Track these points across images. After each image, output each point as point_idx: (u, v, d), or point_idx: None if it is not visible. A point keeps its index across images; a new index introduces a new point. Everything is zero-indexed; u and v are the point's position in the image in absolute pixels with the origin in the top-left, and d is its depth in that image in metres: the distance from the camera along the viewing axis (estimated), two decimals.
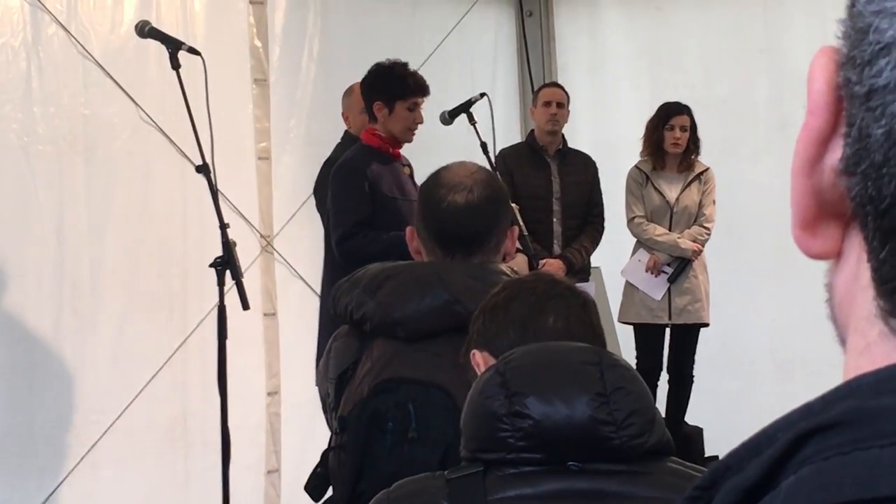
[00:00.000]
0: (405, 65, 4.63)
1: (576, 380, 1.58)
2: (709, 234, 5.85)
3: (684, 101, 5.89)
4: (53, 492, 4.54)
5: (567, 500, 1.56)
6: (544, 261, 5.35)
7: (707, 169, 5.89)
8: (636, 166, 5.93)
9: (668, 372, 5.90)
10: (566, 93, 5.88)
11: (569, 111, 5.84)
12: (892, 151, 0.46)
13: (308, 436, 5.27)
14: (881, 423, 0.44)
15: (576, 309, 1.84)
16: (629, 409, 1.57)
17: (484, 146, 4.86)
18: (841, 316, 0.52)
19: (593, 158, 5.92)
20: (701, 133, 5.92)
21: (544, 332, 1.79)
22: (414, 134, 4.63)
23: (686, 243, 5.79)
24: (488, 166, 4.55)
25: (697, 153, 5.88)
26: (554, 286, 1.88)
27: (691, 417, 5.88)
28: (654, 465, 1.59)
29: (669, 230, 5.84)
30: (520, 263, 4.56)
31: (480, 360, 1.84)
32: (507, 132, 6.21)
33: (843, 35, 0.50)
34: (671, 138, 5.81)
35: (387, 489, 1.68)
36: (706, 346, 5.93)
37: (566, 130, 5.92)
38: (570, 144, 5.94)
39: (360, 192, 4.47)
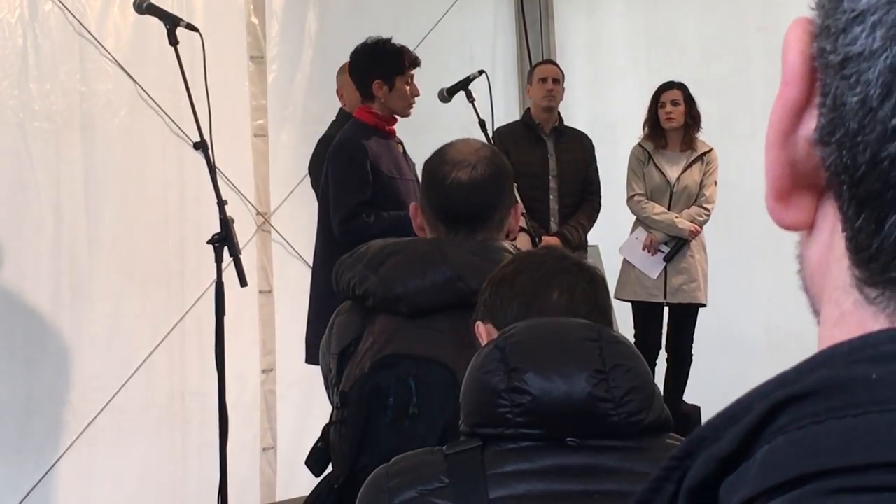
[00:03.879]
0: (389, 40, 4.59)
1: (575, 356, 1.59)
2: (708, 215, 5.85)
3: (682, 80, 5.90)
4: (51, 468, 4.55)
5: (565, 476, 1.57)
6: (541, 238, 5.35)
7: (711, 150, 5.89)
8: (639, 144, 5.94)
9: (667, 351, 5.91)
10: (561, 70, 5.89)
11: (564, 88, 5.85)
12: (866, 119, 0.46)
13: (303, 413, 5.28)
14: (854, 392, 0.44)
15: (582, 285, 1.83)
16: (628, 385, 1.58)
17: (482, 124, 4.85)
18: (814, 287, 0.53)
19: (590, 137, 5.92)
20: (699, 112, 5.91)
21: (547, 306, 1.78)
22: (412, 107, 4.60)
23: (683, 223, 5.79)
24: None
25: (698, 128, 5.88)
26: (562, 261, 1.88)
27: (689, 396, 5.89)
28: (652, 441, 1.60)
29: (669, 209, 5.85)
30: (523, 242, 4.56)
31: (483, 332, 1.84)
32: (506, 110, 6.21)
33: (818, 5, 0.50)
34: (664, 115, 5.84)
35: (385, 464, 1.68)
36: (703, 325, 5.94)
37: (564, 108, 5.92)
38: (568, 123, 5.94)
39: (361, 171, 4.42)
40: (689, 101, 5.85)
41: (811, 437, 0.44)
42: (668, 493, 0.49)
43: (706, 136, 5.96)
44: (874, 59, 0.46)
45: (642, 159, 5.89)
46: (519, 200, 4.58)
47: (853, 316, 0.49)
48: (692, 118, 5.86)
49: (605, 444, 1.57)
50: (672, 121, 5.82)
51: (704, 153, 5.88)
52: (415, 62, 4.56)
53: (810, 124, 0.50)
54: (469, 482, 1.57)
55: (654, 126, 5.88)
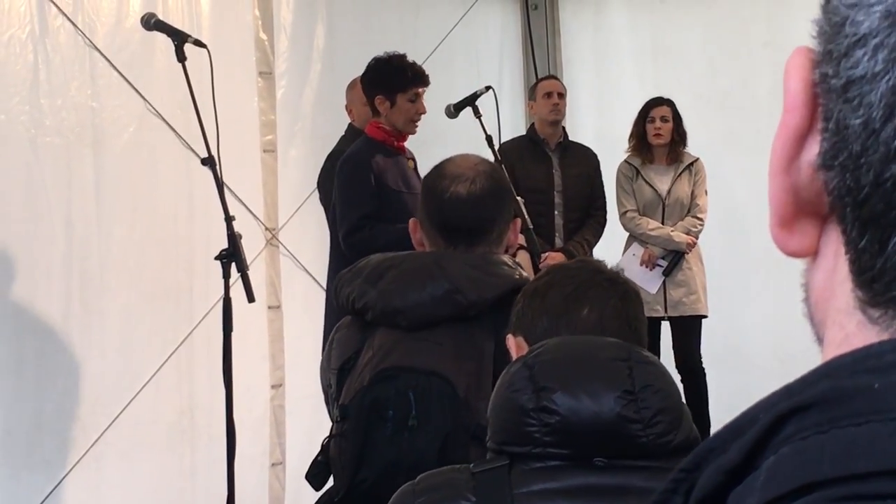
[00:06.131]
0: (403, 56, 4.63)
1: (604, 376, 1.56)
2: (702, 225, 5.85)
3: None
4: (59, 483, 4.55)
5: (592, 496, 1.54)
6: (546, 254, 5.34)
7: (696, 160, 5.91)
8: (626, 161, 5.95)
9: (678, 369, 5.86)
10: (563, 85, 5.93)
11: (566, 103, 5.89)
12: (869, 141, 0.47)
13: (313, 428, 5.27)
14: (857, 401, 0.45)
15: (613, 301, 1.80)
16: (657, 407, 1.55)
17: (489, 139, 4.86)
18: (818, 313, 0.53)
19: (596, 151, 5.93)
20: (704, 126, 5.92)
21: (577, 322, 1.76)
22: (417, 125, 4.65)
23: (680, 236, 5.79)
24: (493, 159, 4.56)
25: (684, 144, 5.90)
26: (595, 275, 1.84)
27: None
28: (681, 461, 1.58)
29: (662, 223, 5.84)
30: (523, 259, 4.56)
31: (513, 345, 1.83)
32: (513, 125, 6.22)
33: (818, 33, 0.50)
34: (653, 130, 5.85)
35: (412, 481, 1.66)
36: (708, 341, 5.92)
37: (570, 123, 5.94)
38: (575, 137, 5.94)
39: (365, 185, 4.48)
40: (677, 119, 5.87)
41: (815, 447, 0.45)
42: None
43: (711, 150, 5.97)
44: (876, 81, 0.47)
45: (630, 175, 5.90)
46: (526, 216, 4.60)
47: (857, 337, 0.49)
48: (679, 135, 5.87)
49: (632, 464, 1.55)
50: (660, 137, 5.83)
51: (691, 163, 5.88)
52: (418, 80, 4.58)
53: (813, 150, 0.50)
54: (496, 501, 1.55)
55: (641, 141, 5.89)
